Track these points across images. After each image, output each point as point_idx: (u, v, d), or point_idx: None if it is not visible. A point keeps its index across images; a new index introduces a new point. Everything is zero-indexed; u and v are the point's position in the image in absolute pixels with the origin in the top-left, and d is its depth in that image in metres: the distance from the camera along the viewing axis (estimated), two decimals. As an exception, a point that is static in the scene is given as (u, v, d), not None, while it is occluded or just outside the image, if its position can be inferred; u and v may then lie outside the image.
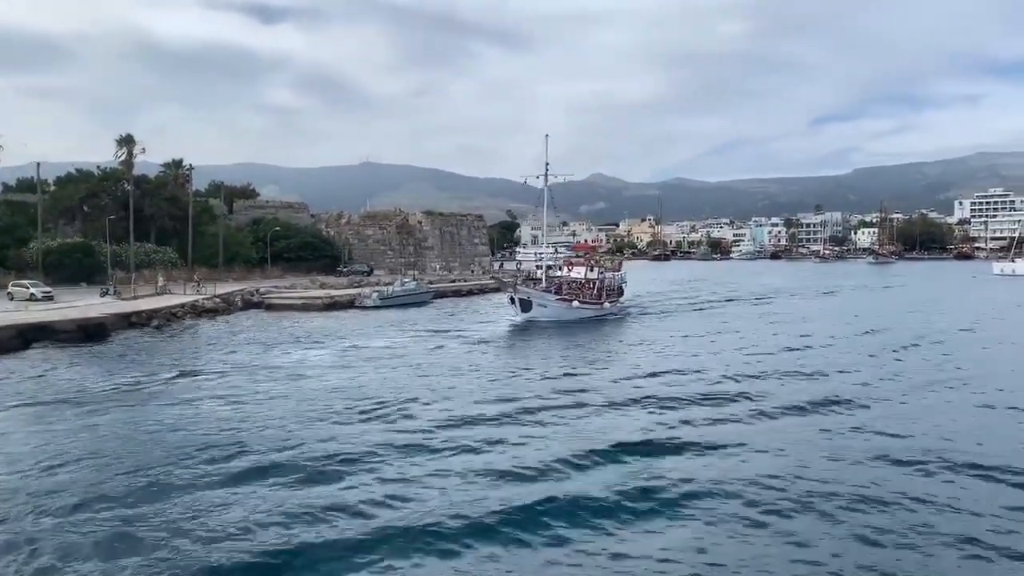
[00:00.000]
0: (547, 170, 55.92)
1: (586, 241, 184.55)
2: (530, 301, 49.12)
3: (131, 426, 21.23)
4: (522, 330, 45.94)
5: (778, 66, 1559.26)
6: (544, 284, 55.36)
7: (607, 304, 55.13)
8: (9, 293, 53.17)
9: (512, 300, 49.44)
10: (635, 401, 24.37)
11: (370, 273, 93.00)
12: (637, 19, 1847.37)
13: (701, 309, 61.16)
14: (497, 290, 65.91)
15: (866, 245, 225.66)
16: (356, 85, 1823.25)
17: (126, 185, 74.98)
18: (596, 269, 57.85)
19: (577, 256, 63.10)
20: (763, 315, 56.13)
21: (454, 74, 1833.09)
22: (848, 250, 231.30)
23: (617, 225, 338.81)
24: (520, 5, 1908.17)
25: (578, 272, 57.18)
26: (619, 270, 63.22)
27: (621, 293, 60.23)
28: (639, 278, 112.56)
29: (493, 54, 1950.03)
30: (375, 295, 63.70)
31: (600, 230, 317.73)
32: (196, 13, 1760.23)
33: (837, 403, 23.92)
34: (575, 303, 51.61)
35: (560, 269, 61.77)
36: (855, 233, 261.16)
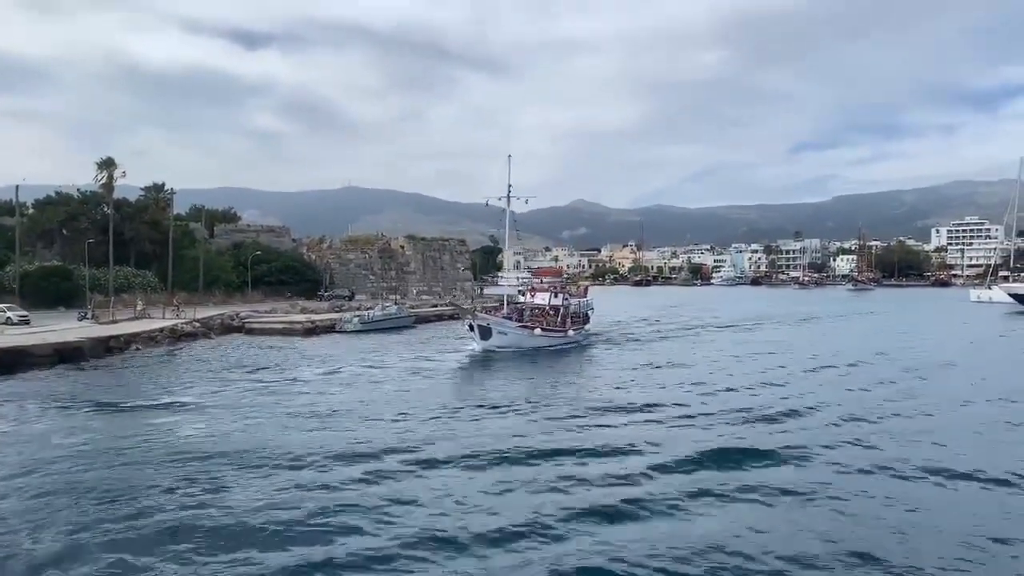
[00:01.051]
0: (509, 192, 54.26)
1: (563, 265, 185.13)
2: (490, 329, 47.07)
3: (106, 451, 20.97)
4: (478, 360, 43.89)
5: (756, 94, 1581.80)
6: (505, 311, 53.56)
7: (571, 332, 52.86)
8: (-15, 317, 52.57)
9: (471, 328, 47.31)
10: (569, 452, 20.78)
11: (351, 298, 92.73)
12: (617, 47, 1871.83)
13: (668, 338, 58.75)
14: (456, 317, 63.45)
15: (845, 272, 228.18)
16: (339, 110, 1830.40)
17: (106, 208, 74.55)
18: (560, 295, 55.40)
19: (540, 281, 60.16)
20: (740, 343, 55.21)
21: (437, 100, 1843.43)
22: (827, 276, 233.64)
23: (599, 251, 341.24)
24: (502, 33, 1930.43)
25: (541, 298, 54.89)
26: (585, 296, 61.61)
27: (586, 320, 58.34)
28: (619, 303, 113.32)
29: (476, 80, 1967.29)
30: (356, 319, 63.56)
31: (582, 255, 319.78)
32: (178, 38, 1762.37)
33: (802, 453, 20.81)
34: (537, 331, 49.69)
35: (523, 295, 59.45)
36: (834, 260, 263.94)
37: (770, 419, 25.57)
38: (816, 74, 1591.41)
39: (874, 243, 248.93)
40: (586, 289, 67.14)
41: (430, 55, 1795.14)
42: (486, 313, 51.93)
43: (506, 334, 47.56)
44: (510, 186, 54.04)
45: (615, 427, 24.54)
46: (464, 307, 55.47)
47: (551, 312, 53.29)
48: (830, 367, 39.94)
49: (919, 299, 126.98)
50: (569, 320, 53.94)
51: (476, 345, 46.93)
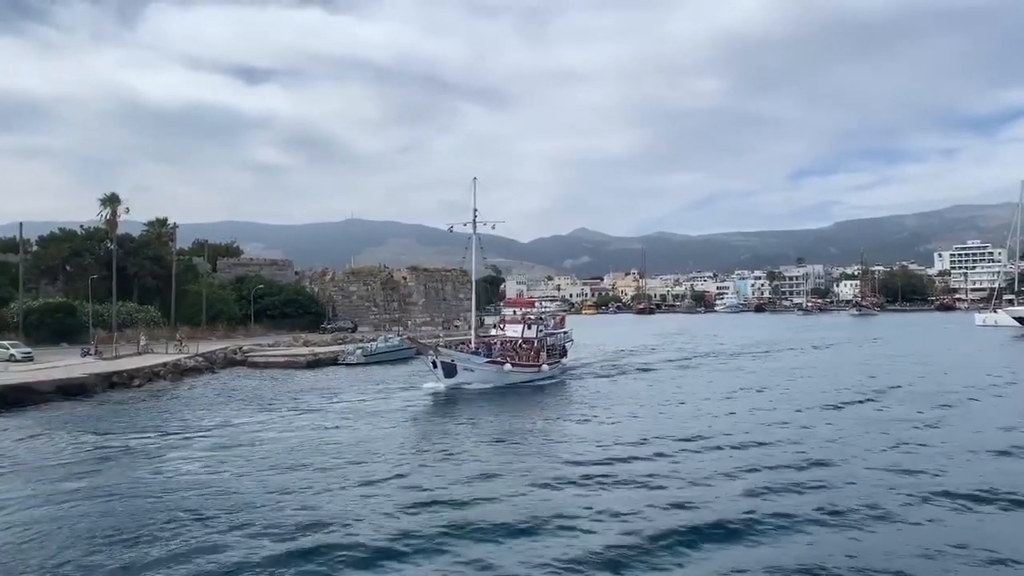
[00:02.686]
0: (475, 216, 50.58)
1: (564, 292, 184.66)
2: (454, 365, 43.56)
3: (108, 489, 20.85)
4: (438, 402, 39.80)
5: (755, 121, 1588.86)
6: (472, 345, 50.13)
7: (546, 367, 48.89)
8: (-12, 354, 52.56)
9: (434, 365, 43.65)
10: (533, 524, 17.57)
11: (354, 330, 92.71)
12: (614, 77, 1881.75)
13: (650, 370, 55.37)
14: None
15: (848, 297, 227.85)
16: (340, 142, 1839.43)
17: (109, 244, 74.84)
18: (535, 326, 51.35)
19: (514, 313, 55.54)
20: (737, 373, 52.65)
21: (437, 131, 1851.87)
22: (831, 302, 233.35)
23: (602, 279, 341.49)
24: (500, 64, 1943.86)
25: (513, 330, 51.00)
26: (562, 326, 58.09)
27: (564, 353, 55.00)
28: (621, 332, 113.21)
29: (475, 111, 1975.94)
30: (358, 352, 63.44)
31: (585, 284, 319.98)
32: (180, 74, 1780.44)
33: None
34: (507, 366, 45.53)
35: (494, 327, 55.96)
36: (837, 285, 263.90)
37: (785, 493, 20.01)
38: (815, 100, 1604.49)
39: (877, 268, 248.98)
40: (562, 319, 63.00)
41: (429, 87, 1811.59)
42: (450, 348, 48.04)
43: (473, 371, 44.07)
44: (476, 211, 50.41)
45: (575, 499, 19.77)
46: (424, 343, 49.76)
47: (524, 345, 49.71)
48: (848, 403, 36.57)
49: (924, 324, 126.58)
50: (546, 353, 50.82)
51: (440, 384, 43.21)
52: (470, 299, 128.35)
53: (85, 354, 55.37)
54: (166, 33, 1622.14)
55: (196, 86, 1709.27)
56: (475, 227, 50.91)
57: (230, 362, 61.01)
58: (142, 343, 61.02)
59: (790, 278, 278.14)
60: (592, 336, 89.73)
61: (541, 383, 47.09)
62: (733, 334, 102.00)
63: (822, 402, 37.04)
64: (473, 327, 55.04)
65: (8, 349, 52.61)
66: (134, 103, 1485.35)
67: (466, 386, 43.16)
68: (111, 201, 73.40)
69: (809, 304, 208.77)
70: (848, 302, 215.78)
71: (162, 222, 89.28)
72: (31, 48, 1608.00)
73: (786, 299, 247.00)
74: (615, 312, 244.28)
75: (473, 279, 58.26)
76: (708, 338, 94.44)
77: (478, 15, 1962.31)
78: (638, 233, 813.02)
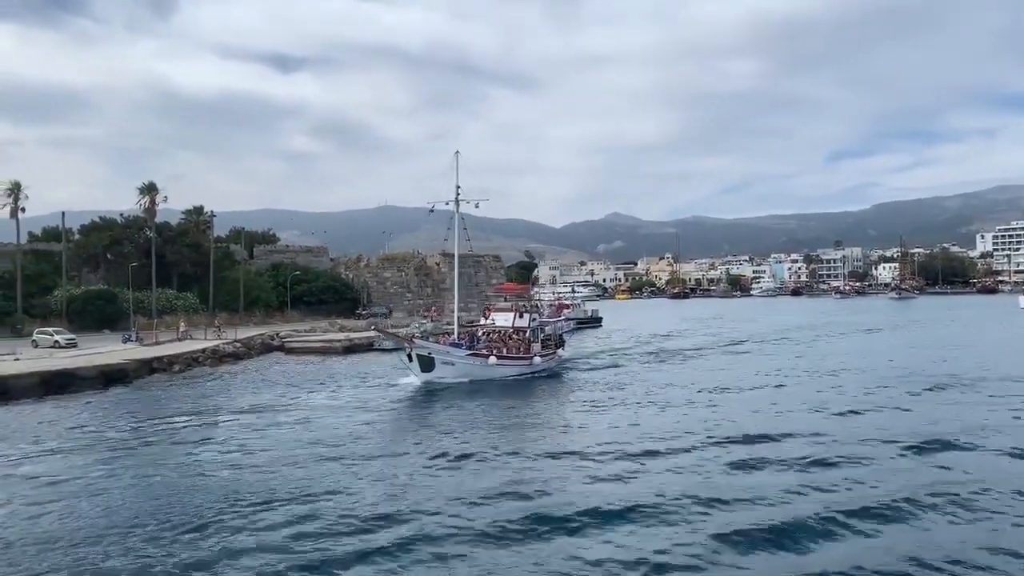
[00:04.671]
0: (458, 194, 46.28)
1: (597, 277, 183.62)
2: (432, 359, 39.54)
3: (149, 472, 21.30)
4: (410, 399, 36.03)
5: (790, 103, 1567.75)
6: (455, 336, 46.08)
7: (538, 359, 44.72)
8: (34, 341, 53.88)
9: (409, 357, 39.61)
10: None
11: (389, 315, 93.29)
12: (646, 60, 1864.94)
13: (661, 359, 52.20)
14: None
15: (887, 280, 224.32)
16: (371, 130, 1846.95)
17: (148, 232, 76.10)
18: (527, 315, 47.08)
19: (505, 299, 51.14)
20: (797, 356, 49.66)
21: (467, 117, 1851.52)
22: (869, 285, 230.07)
23: (635, 264, 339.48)
24: (530, 48, 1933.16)
25: (504, 319, 46.96)
26: (559, 315, 53.69)
27: (561, 344, 50.95)
28: (653, 316, 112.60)
29: (505, 96, 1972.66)
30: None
31: (618, 269, 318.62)
32: (213, 63, 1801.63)
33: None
34: (492, 359, 41.50)
35: (482, 316, 51.73)
36: (875, 268, 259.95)
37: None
38: (851, 80, 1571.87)
39: (916, 250, 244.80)
40: (560, 307, 58.95)
41: (459, 73, 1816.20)
42: (427, 340, 43.82)
43: (452, 364, 40.12)
44: (458, 187, 46.34)
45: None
46: (398, 334, 44.35)
47: (514, 336, 45.67)
48: (907, 394, 33.57)
49: (966, 307, 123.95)
50: (541, 344, 46.57)
51: (415, 378, 39.52)
52: (503, 284, 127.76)
53: (126, 340, 56.47)
54: (199, 23, 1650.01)
55: (229, 75, 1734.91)
56: (457, 205, 46.75)
57: (267, 348, 61.80)
58: (181, 329, 62.04)
59: (827, 261, 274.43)
60: (624, 320, 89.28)
61: (531, 376, 43.10)
62: (773, 318, 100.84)
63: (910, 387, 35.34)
64: (455, 316, 50.92)
65: (53, 336, 53.86)
66: (169, 93, 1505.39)
67: (444, 381, 39.20)
68: (149, 190, 74.51)
69: (847, 287, 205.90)
70: (886, 285, 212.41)
71: (199, 210, 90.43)
72: (69, 40, 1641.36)
73: (823, 283, 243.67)
74: (649, 297, 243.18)
75: (456, 261, 52.45)
76: (747, 322, 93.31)
77: (507, 0, 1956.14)
78: (672, 217, 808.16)
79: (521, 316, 46.61)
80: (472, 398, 35.54)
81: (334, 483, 19.83)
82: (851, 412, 29.15)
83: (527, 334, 45.79)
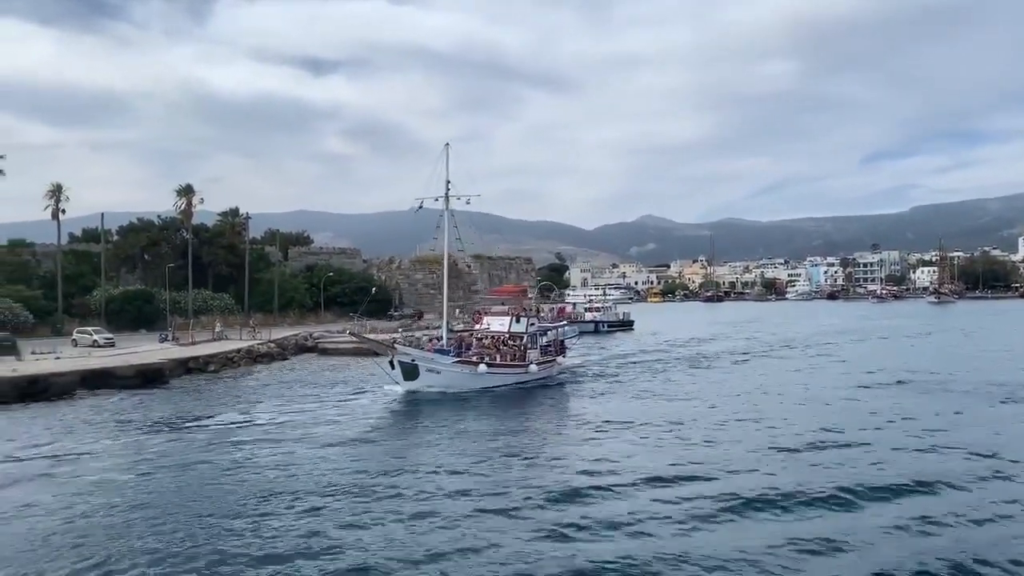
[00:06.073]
0: (448, 190, 43.38)
1: (629, 279, 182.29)
2: (415, 366, 36.77)
3: (184, 469, 21.63)
4: (392, 411, 33.74)
5: (826, 104, 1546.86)
6: (443, 341, 43.32)
7: (534, 367, 41.54)
8: (74, 340, 54.94)
9: (392, 365, 36.85)
10: None
11: (420, 317, 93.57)
12: (681, 61, 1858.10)
13: (691, 365, 50.08)
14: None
15: (925, 284, 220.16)
16: (405, 132, 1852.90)
17: (185, 234, 77.25)
18: (524, 319, 43.18)
19: (499, 303, 48.33)
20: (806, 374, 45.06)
21: (500, 118, 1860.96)
22: (907, 289, 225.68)
23: (668, 266, 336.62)
24: (564, 50, 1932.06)
25: (499, 324, 43.32)
26: (560, 319, 50.91)
27: (562, 350, 47.77)
28: (683, 320, 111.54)
29: (539, 98, 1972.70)
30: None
31: (651, 271, 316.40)
32: (249, 67, 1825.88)
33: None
34: (481, 367, 38.56)
35: (473, 321, 48.96)
36: (913, 272, 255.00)
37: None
38: (889, 81, 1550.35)
39: (956, 254, 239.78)
40: (560, 311, 55.55)
41: (492, 75, 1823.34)
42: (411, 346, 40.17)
43: (438, 372, 37.32)
44: (448, 183, 43.34)
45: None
46: (380, 342, 39.36)
47: (510, 342, 42.29)
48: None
49: (1009, 312, 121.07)
50: (535, 352, 43.09)
51: (398, 387, 36.88)
52: (534, 286, 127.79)
53: (163, 340, 57.31)
54: (235, 27, 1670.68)
55: (265, 78, 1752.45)
56: (447, 202, 43.73)
57: (301, 348, 62.39)
58: (217, 329, 62.82)
59: (864, 265, 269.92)
60: (655, 324, 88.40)
61: (525, 387, 40.28)
62: (812, 322, 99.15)
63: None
64: (444, 319, 48.10)
65: (91, 335, 54.85)
66: (206, 96, 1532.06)
67: (428, 390, 36.63)
68: (186, 192, 75.59)
69: (883, 292, 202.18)
70: (925, 289, 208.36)
71: (235, 212, 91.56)
72: (109, 44, 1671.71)
73: (860, 286, 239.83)
74: (682, 300, 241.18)
75: (446, 261, 49.54)
76: (781, 328, 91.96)
77: (541, 2, 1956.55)
78: (705, 219, 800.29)
79: (518, 320, 42.96)
80: (448, 414, 32.03)
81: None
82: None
83: (524, 340, 42.38)
